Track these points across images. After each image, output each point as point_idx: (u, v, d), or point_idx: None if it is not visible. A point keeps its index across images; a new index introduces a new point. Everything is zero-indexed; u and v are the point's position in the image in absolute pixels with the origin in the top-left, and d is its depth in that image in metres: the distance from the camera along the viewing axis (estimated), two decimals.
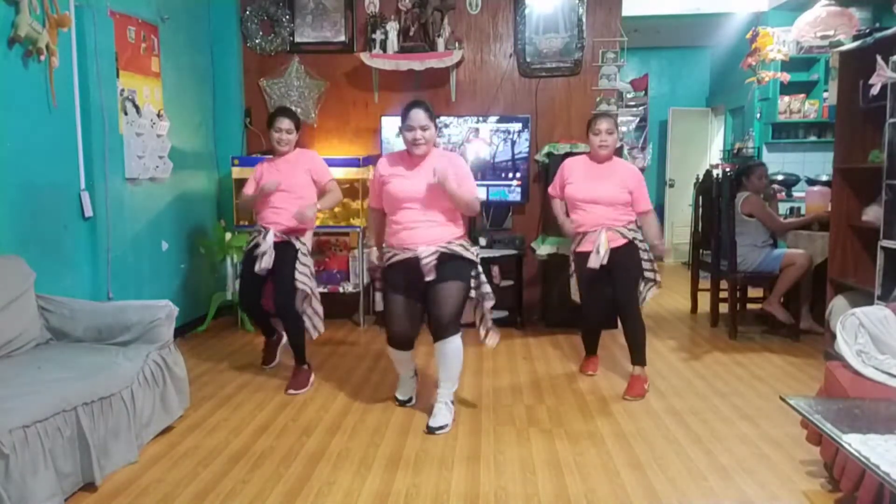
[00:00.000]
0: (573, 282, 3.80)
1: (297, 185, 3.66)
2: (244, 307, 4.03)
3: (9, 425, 2.11)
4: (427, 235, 3.05)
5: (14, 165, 3.20)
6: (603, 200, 3.52)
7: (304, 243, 3.66)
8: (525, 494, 2.45)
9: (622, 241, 3.52)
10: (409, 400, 3.40)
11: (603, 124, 3.53)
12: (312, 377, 3.73)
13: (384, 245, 3.23)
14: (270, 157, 3.86)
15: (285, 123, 3.68)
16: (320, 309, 3.67)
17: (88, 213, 3.70)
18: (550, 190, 3.86)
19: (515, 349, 4.45)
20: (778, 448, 2.83)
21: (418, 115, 3.01)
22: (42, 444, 2.23)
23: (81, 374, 2.58)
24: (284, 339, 3.89)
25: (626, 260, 3.52)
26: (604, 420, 3.17)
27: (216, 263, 4.96)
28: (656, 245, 3.62)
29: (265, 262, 3.55)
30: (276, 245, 3.59)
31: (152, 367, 2.91)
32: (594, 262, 3.46)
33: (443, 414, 3.10)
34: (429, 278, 3.02)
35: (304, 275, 3.59)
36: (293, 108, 4.14)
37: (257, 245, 3.63)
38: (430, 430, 3.02)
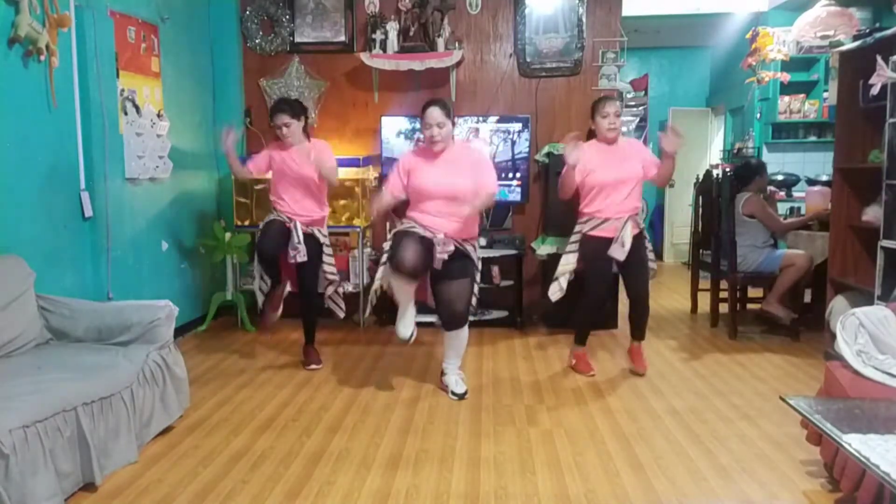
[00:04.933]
0: (565, 260, 3.77)
1: (310, 175, 3.83)
2: (263, 255, 3.86)
3: (9, 425, 2.11)
4: (449, 227, 3.32)
5: (14, 166, 3.20)
6: (629, 180, 3.63)
7: (325, 234, 3.97)
8: (525, 494, 2.45)
9: (636, 231, 3.67)
10: (412, 336, 3.42)
11: (611, 107, 3.66)
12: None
13: (404, 219, 3.44)
14: (279, 143, 3.94)
15: (283, 119, 3.80)
16: (341, 293, 4.09)
17: (88, 213, 3.70)
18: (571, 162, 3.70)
19: (515, 349, 4.45)
20: (778, 448, 2.83)
21: (434, 113, 3.29)
22: (42, 444, 2.23)
23: (81, 374, 2.58)
24: (287, 288, 4.01)
25: (640, 252, 3.70)
26: (604, 420, 3.17)
27: (216, 263, 4.96)
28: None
29: (301, 256, 3.78)
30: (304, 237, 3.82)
31: (152, 367, 2.91)
32: (620, 255, 3.59)
33: (461, 383, 3.53)
34: (437, 266, 3.30)
35: (331, 265, 3.97)
36: (293, 98, 4.17)
37: (278, 221, 3.82)
38: (460, 397, 3.45)
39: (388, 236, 3.46)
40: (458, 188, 3.29)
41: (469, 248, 3.42)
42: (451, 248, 3.30)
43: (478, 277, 3.52)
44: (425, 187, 3.35)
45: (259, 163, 3.97)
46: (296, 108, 3.86)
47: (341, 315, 4.09)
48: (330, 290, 4.02)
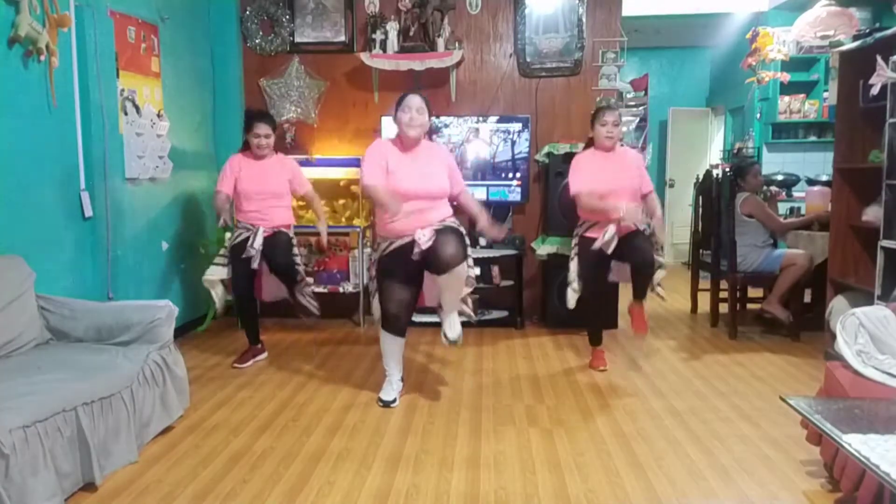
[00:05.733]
0: (572, 266, 3.83)
1: (279, 191, 3.97)
2: (238, 300, 4.10)
3: (9, 425, 2.11)
4: (422, 221, 3.19)
5: (14, 165, 3.20)
6: (623, 191, 3.66)
7: (292, 234, 4.05)
8: (525, 494, 2.45)
9: (631, 228, 3.65)
10: (394, 401, 3.37)
11: (610, 116, 3.73)
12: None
13: (378, 237, 3.38)
14: (244, 154, 4.00)
15: (264, 129, 3.92)
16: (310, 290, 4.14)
17: (88, 213, 3.70)
18: (581, 187, 3.71)
19: (515, 349, 4.44)
20: (778, 448, 2.83)
21: (414, 100, 3.25)
22: (42, 444, 2.22)
23: (81, 374, 2.58)
24: (262, 356, 4.16)
25: (634, 235, 3.63)
26: (604, 420, 3.17)
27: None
28: (657, 222, 3.74)
29: (255, 262, 3.85)
30: (268, 237, 3.89)
31: (152, 367, 2.91)
32: (606, 248, 3.58)
33: (456, 324, 3.30)
34: (424, 248, 3.13)
35: (300, 256, 4.05)
36: (269, 111, 4.29)
37: (245, 240, 3.87)
38: (451, 342, 3.27)
39: (373, 258, 3.41)
40: (434, 188, 3.26)
41: (450, 223, 3.26)
42: (432, 234, 3.13)
43: (469, 252, 3.30)
44: (400, 189, 3.17)
45: (227, 182, 3.93)
46: (273, 121, 4.00)
47: (317, 313, 4.08)
48: (302, 286, 4.03)
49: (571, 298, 3.86)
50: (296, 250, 4.04)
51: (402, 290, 3.32)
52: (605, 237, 3.57)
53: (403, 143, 3.30)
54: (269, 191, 3.92)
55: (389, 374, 3.47)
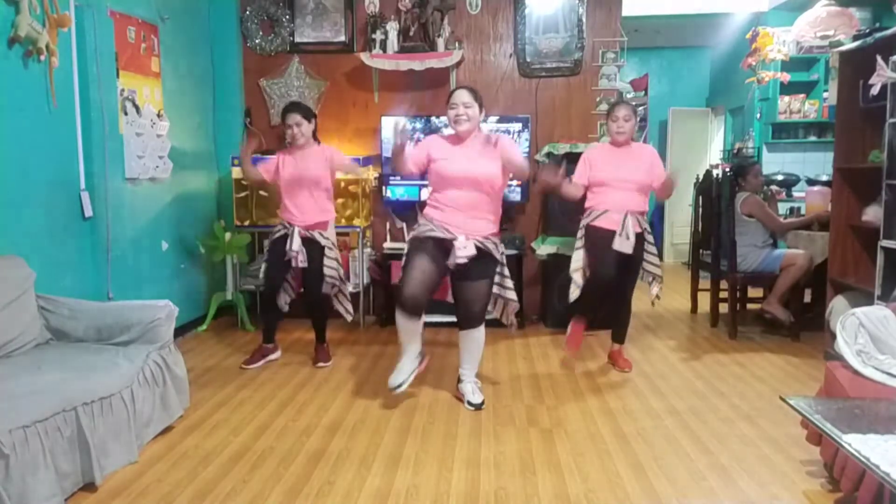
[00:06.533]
0: (575, 256, 3.84)
1: (317, 180, 3.87)
2: (267, 293, 4.02)
3: (9, 425, 2.12)
4: (469, 225, 3.22)
5: (14, 166, 3.20)
6: (632, 182, 3.71)
7: (328, 237, 3.92)
8: (525, 494, 2.45)
9: (639, 229, 3.72)
10: (401, 385, 3.24)
11: (621, 111, 3.76)
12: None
13: (420, 218, 3.36)
14: (287, 149, 3.97)
15: (294, 118, 3.87)
16: (348, 294, 4.07)
17: (88, 213, 3.70)
18: (575, 178, 3.83)
19: (515, 349, 4.45)
20: (778, 448, 2.83)
21: (461, 95, 3.26)
22: (42, 444, 2.23)
23: (81, 374, 2.58)
24: (275, 356, 4.13)
25: (638, 252, 3.74)
26: (604, 420, 3.17)
27: (216, 263, 4.96)
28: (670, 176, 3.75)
29: (301, 262, 3.83)
30: (303, 240, 3.84)
31: (152, 367, 2.91)
32: (625, 248, 3.64)
33: (478, 392, 3.40)
34: (451, 267, 3.21)
35: (332, 268, 3.91)
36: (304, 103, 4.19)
37: (284, 237, 3.87)
38: (477, 407, 3.31)
39: (406, 238, 3.38)
40: (480, 173, 3.18)
41: (491, 245, 3.27)
42: (472, 251, 3.18)
43: (506, 272, 3.38)
44: (447, 173, 3.22)
45: (269, 167, 3.96)
46: (307, 111, 3.93)
47: (348, 318, 4.07)
48: (334, 291, 4.00)
49: (574, 292, 3.85)
50: (330, 261, 3.89)
51: (426, 272, 3.18)
52: (630, 238, 3.62)
53: (457, 136, 3.30)
54: (309, 177, 3.83)
55: (402, 349, 3.32)
